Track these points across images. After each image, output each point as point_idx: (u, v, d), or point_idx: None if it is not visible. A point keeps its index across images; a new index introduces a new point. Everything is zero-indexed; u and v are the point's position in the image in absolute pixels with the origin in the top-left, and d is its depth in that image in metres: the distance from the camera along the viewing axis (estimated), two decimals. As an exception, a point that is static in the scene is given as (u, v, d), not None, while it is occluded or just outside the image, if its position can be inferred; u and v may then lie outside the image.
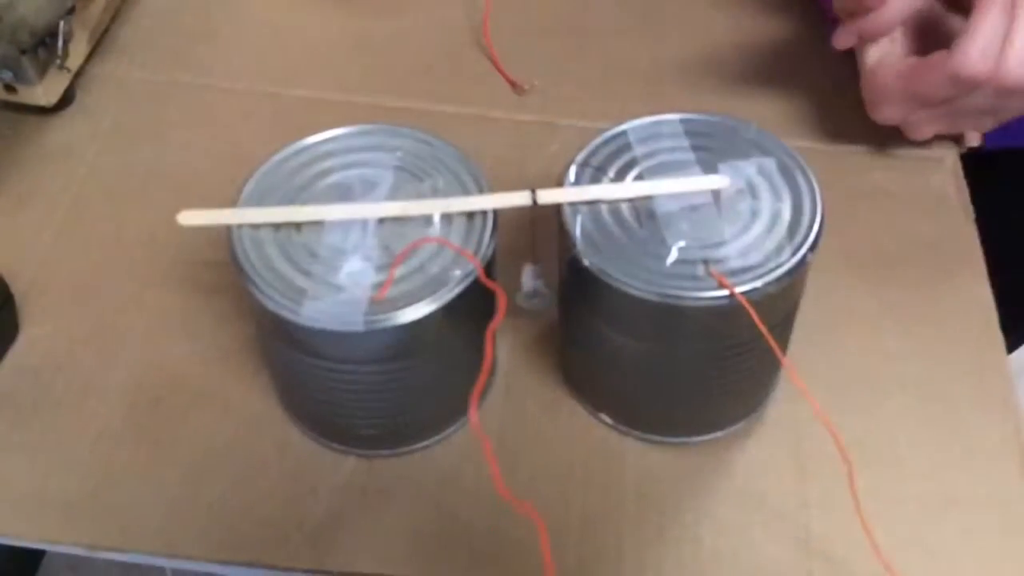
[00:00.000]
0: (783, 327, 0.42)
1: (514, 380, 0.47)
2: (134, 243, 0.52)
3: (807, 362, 0.48)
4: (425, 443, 0.45)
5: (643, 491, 0.44)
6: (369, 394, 0.41)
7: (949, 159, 0.56)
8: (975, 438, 0.46)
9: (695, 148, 0.42)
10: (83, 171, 0.55)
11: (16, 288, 0.48)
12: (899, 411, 0.47)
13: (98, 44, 0.60)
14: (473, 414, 0.32)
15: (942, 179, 0.56)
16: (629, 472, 0.45)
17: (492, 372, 0.47)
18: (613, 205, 0.40)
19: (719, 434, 0.46)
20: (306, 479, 0.44)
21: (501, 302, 0.35)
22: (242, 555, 0.42)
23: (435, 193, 0.41)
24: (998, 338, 0.49)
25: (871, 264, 0.52)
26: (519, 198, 0.40)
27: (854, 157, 0.57)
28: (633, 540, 0.43)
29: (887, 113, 0.53)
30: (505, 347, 0.48)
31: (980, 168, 0.58)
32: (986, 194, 0.56)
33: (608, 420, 0.46)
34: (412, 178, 0.41)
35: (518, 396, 0.47)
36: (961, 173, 0.56)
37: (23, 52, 0.51)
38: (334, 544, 0.42)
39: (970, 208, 0.54)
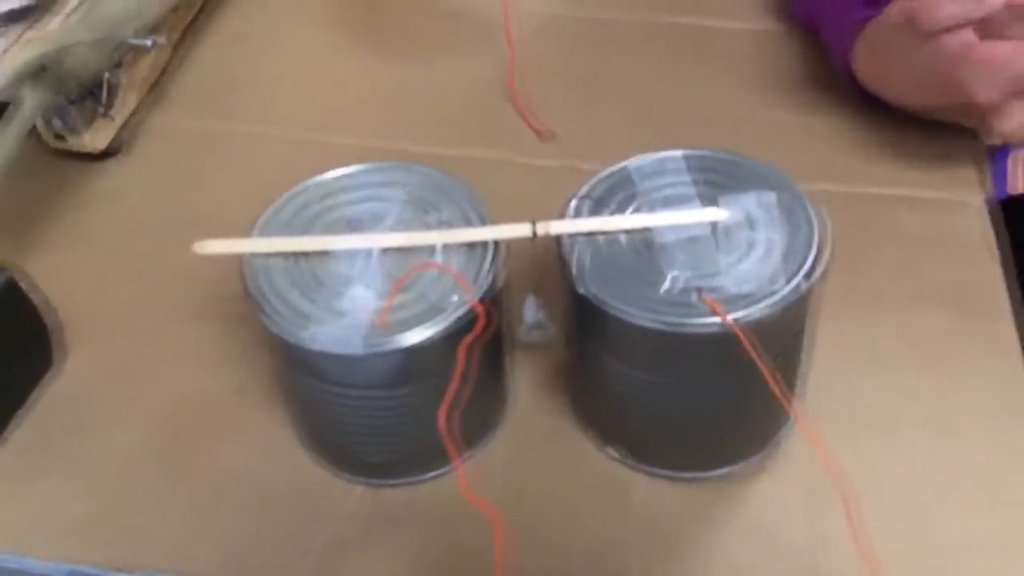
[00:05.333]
0: (785, 359, 0.42)
1: (524, 412, 0.48)
2: (168, 280, 0.54)
3: (826, 402, 0.48)
4: (432, 474, 0.45)
5: (650, 525, 0.44)
6: (374, 420, 0.42)
7: (976, 202, 0.56)
8: (997, 483, 0.45)
9: (697, 183, 0.42)
10: (127, 214, 0.58)
11: (56, 320, 0.51)
12: (919, 453, 0.46)
13: (148, 96, 0.64)
14: (442, 421, 0.33)
15: (967, 222, 0.55)
16: (636, 506, 0.44)
17: (504, 404, 0.48)
18: (611, 236, 0.41)
19: (730, 469, 0.45)
20: (315, 506, 0.45)
21: (481, 319, 0.36)
22: (249, 579, 0.43)
23: (440, 225, 0.42)
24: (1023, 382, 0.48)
25: (893, 305, 0.52)
26: (519, 230, 0.41)
27: (879, 200, 0.57)
28: (638, 575, 0.42)
29: (990, 95, 0.49)
30: (517, 381, 0.49)
31: (1010, 214, 0.57)
32: (1016, 240, 0.55)
33: (616, 454, 0.46)
34: (419, 211, 0.43)
35: (527, 428, 0.47)
36: (987, 216, 0.55)
37: (71, 102, 0.55)
38: (339, 570, 0.43)
39: (996, 251, 0.53)
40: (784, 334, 0.41)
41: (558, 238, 0.41)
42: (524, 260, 0.43)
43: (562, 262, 0.40)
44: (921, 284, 0.52)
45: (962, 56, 0.49)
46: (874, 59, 0.57)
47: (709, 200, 0.42)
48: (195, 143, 0.62)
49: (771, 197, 0.41)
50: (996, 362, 0.49)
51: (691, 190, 0.42)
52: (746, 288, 0.38)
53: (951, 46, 0.49)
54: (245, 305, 0.41)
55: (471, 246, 0.41)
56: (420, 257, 0.41)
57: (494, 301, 0.42)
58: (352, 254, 0.41)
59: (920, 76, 0.53)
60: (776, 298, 0.38)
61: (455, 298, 0.39)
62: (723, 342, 0.38)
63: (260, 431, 0.48)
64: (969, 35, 0.49)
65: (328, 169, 0.45)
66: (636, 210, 0.42)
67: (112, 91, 0.56)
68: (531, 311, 0.43)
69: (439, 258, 0.41)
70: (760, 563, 0.43)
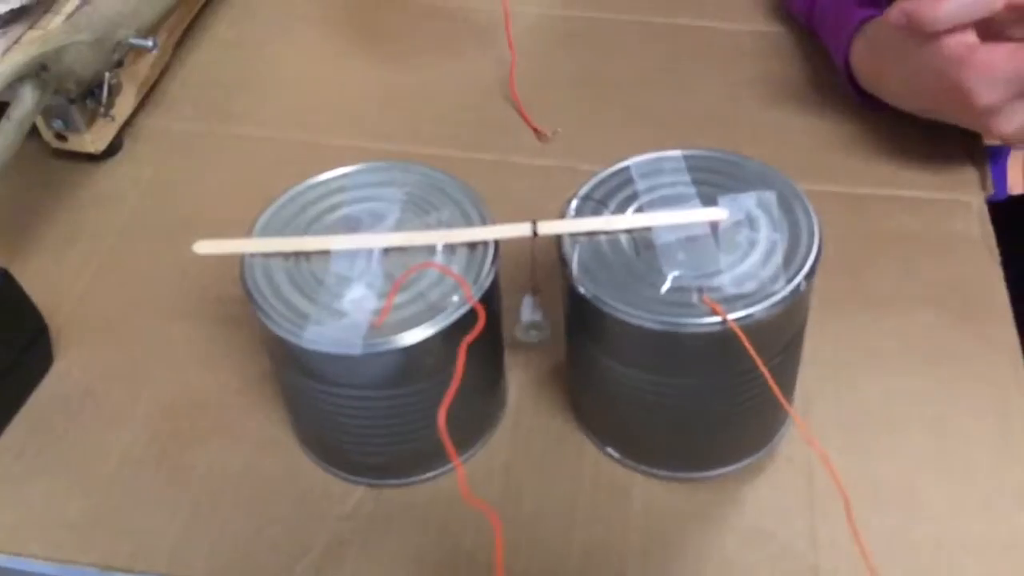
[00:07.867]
0: (785, 359, 0.42)
1: (523, 414, 0.48)
2: (166, 281, 0.54)
3: (823, 401, 0.48)
4: (431, 474, 0.45)
5: (648, 526, 0.44)
6: (373, 420, 0.42)
7: (975, 202, 0.56)
8: (996, 482, 0.45)
9: (696, 182, 0.42)
10: (125, 215, 0.58)
11: (54, 321, 0.50)
12: (918, 453, 0.46)
13: (147, 97, 0.64)
14: (441, 418, 0.33)
15: (968, 222, 0.55)
16: (635, 506, 0.44)
17: (502, 405, 0.48)
18: (612, 236, 0.41)
19: (728, 470, 0.45)
20: (315, 507, 0.45)
21: (481, 319, 0.36)
22: (248, 579, 0.43)
23: (440, 225, 0.42)
24: (1023, 381, 0.48)
25: (892, 305, 0.52)
26: (520, 229, 0.41)
27: (877, 201, 0.57)
28: (636, 575, 0.42)
29: (990, 98, 0.49)
30: (515, 382, 0.49)
31: (1009, 214, 0.57)
32: (1014, 240, 0.55)
33: (615, 454, 0.46)
34: (419, 211, 0.43)
35: (526, 429, 0.47)
36: (987, 216, 0.55)
37: (71, 101, 0.54)
38: (338, 571, 0.43)
39: (996, 250, 0.53)
40: (784, 334, 0.41)
41: (558, 238, 0.41)
42: (521, 260, 0.43)
43: (562, 262, 0.40)
44: (920, 285, 0.52)
45: (961, 58, 0.49)
46: (872, 59, 0.57)
47: (709, 200, 0.42)
48: (193, 144, 0.62)
49: (771, 197, 0.41)
50: (995, 363, 0.49)
51: (691, 190, 0.42)
52: (746, 288, 0.38)
53: (951, 48, 0.49)
54: (244, 305, 0.40)
55: (471, 246, 0.41)
56: (420, 257, 0.41)
57: (493, 301, 0.42)
58: (352, 254, 0.41)
59: (919, 78, 0.53)
60: (777, 298, 0.38)
61: (455, 298, 0.39)
62: (723, 342, 0.38)
63: (259, 431, 0.48)
64: (970, 36, 0.49)
65: (327, 170, 0.45)
66: (636, 210, 0.42)
67: (112, 91, 0.56)
68: (528, 311, 0.42)
69: (439, 258, 0.41)
70: (758, 563, 0.43)
